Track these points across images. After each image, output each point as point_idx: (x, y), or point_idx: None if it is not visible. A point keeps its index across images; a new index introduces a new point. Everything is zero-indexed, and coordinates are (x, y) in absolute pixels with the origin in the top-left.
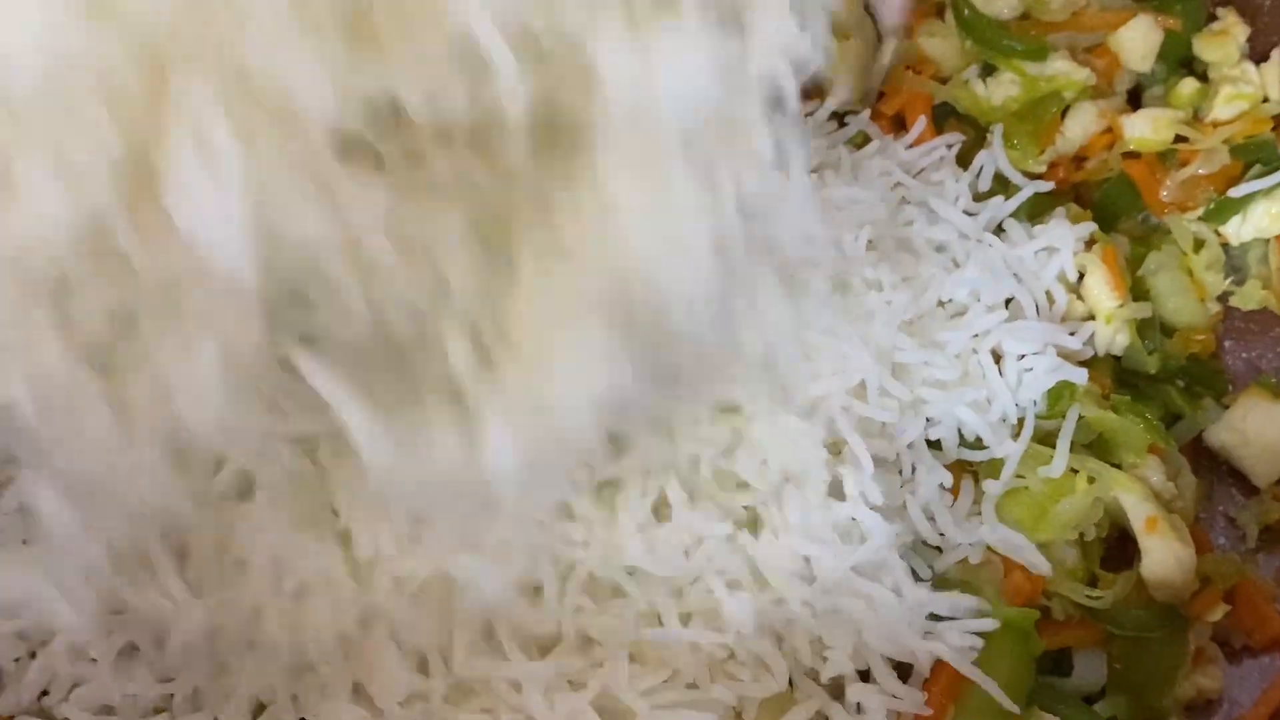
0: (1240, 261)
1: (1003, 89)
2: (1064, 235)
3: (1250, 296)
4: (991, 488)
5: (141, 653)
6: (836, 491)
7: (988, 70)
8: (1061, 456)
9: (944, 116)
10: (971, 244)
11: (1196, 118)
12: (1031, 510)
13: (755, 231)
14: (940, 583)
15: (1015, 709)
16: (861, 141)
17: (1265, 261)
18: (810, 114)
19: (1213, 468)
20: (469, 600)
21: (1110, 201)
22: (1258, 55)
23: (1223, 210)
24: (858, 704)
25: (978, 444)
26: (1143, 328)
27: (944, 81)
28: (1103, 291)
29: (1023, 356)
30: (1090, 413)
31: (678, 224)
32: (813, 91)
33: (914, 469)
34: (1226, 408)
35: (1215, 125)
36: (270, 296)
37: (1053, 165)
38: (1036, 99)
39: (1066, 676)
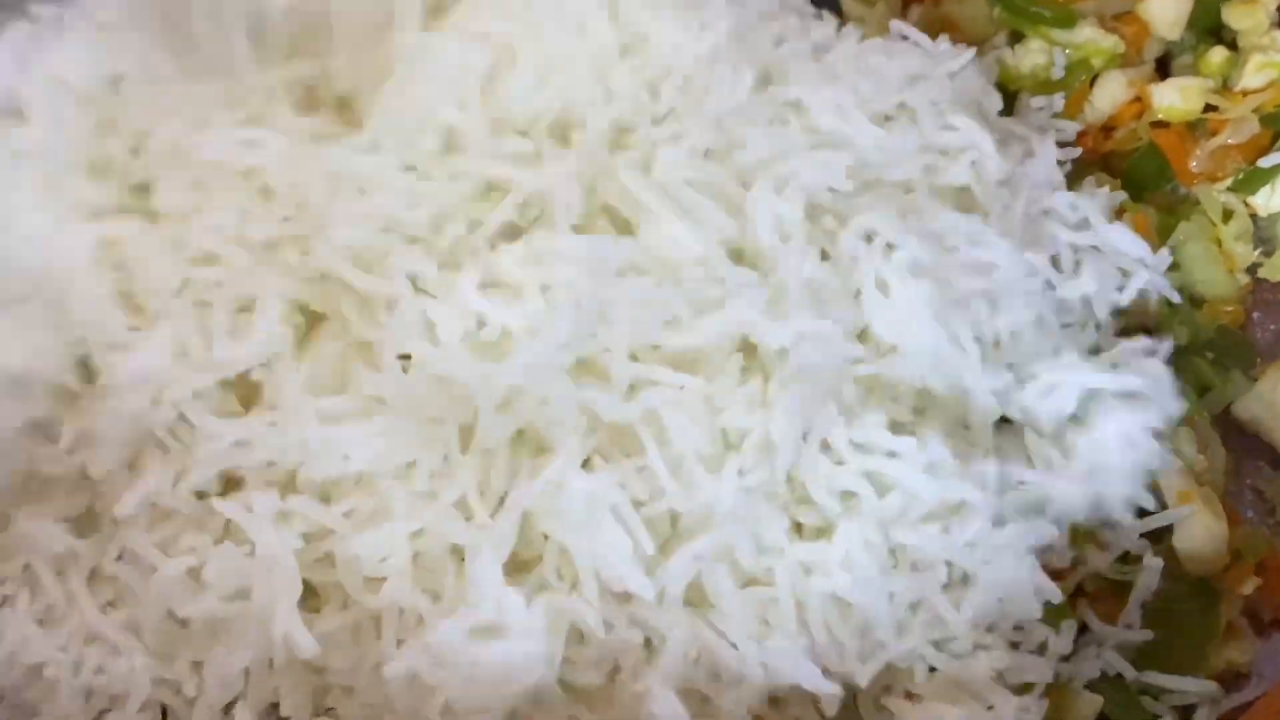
0: (1269, 232)
1: (1031, 57)
2: (1094, 204)
3: (1278, 268)
4: None
5: None
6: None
7: (1015, 37)
8: None
9: None
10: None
11: (1226, 86)
12: None
13: None
14: None
15: None
16: None
17: None
18: None
19: (1241, 440)
20: None
21: (1139, 171)
22: None
23: (1252, 180)
24: None
25: None
26: None
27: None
28: None
29: None
30: None
31: None
32: None
33: None
34: (1255, 380)
35: (1245, 94)
36: None
37: (1081, 134)
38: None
39: None
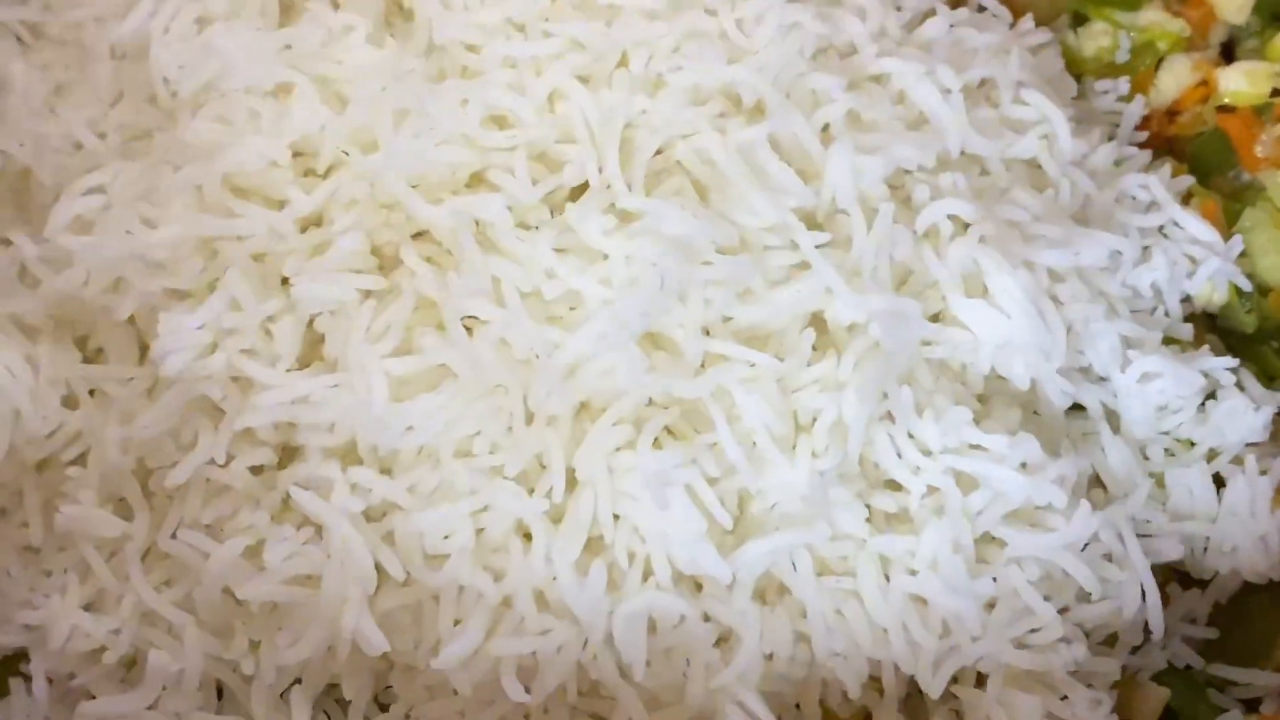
0: None
1: (1095, 40)
2: (1162, 189)
3: None
4: None
5: None
6: None
7: (1079, 20)
8: None
9: None
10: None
11: None
12: None
13: None
14: None
15: None
16: None
17: None
18: None
19: None
20: None
21: (1204, 156)
22: None
23: None
24: None
25: None
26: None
27: None
28: None
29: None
30: None
31: None
32: None
33: None
34: None
35: None
36: None
37: (1145, 118)
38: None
39: None
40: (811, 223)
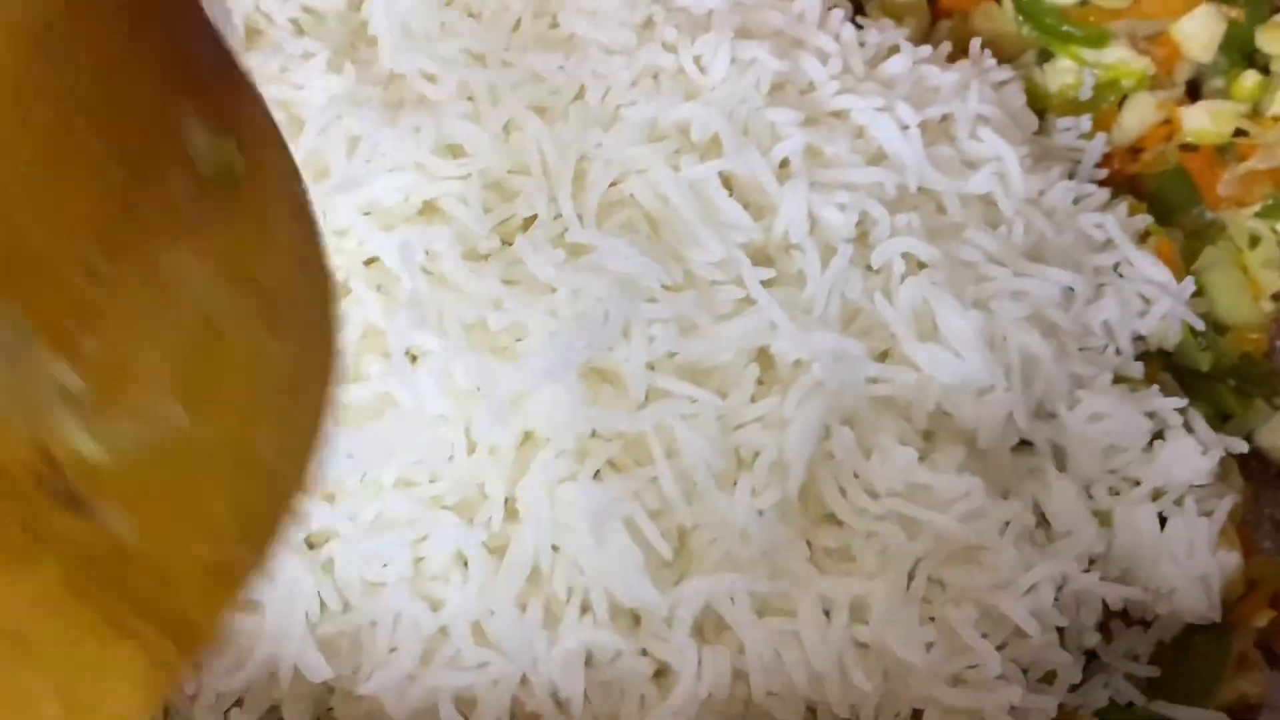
0: None
1: (1059, 76)
2: (1117, 228)
3: None
4: None
5: None
6: None
7: (1044, 56)
8: None
9: None
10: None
11: (1257, 112)
12: None
13: None
14: None
15: None
16: None
17: None
18: None
19: (1262, 470)
20: None
21: (1166, 194)
22: None
23: None
24: None
25: None
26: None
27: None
28: None
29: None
30: None
31: None
32: None
33: None
34: (1278, 408)
35: (1276, 120)
36: None
37: (1108, 156)
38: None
39: None
40: (762, 258)
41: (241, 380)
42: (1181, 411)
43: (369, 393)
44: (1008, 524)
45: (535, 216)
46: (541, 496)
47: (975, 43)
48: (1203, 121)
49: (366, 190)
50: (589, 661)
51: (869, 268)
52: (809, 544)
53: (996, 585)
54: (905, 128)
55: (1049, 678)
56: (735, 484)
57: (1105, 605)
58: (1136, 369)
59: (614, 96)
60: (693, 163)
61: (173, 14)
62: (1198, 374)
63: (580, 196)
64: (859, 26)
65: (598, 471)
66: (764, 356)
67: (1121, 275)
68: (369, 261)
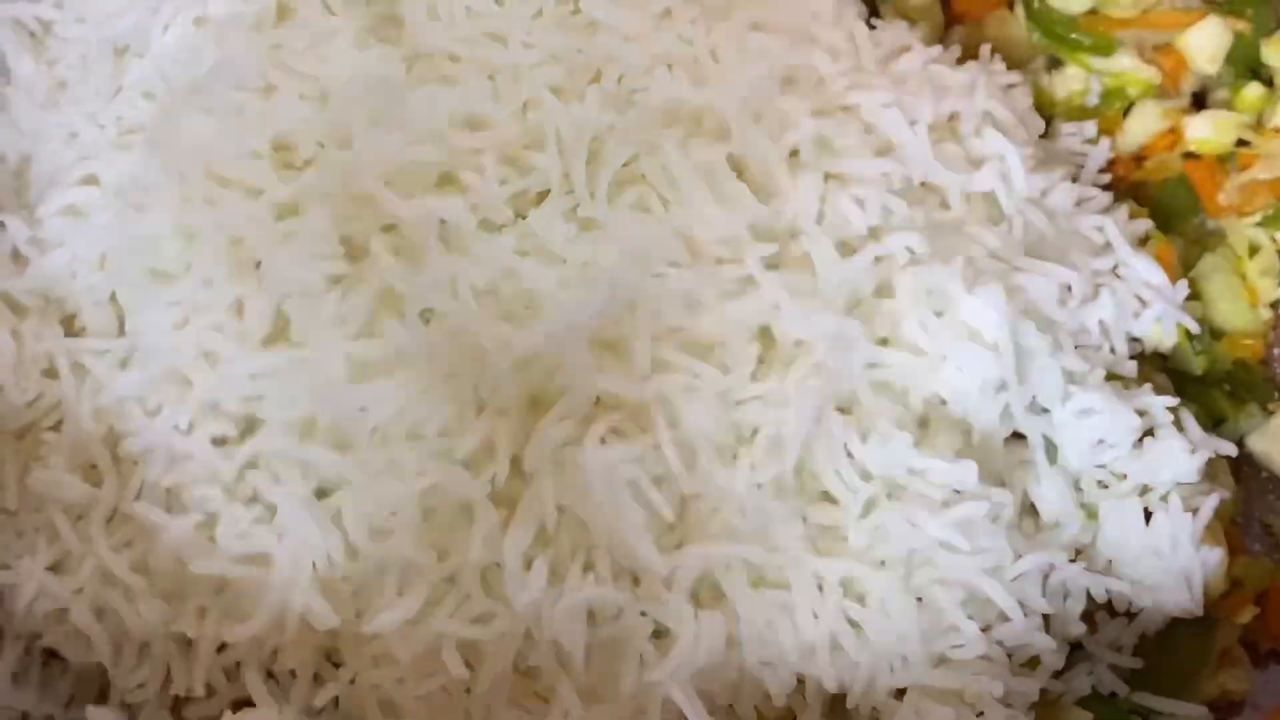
0: None
1: (1067, 83)
2: (1116, 231)
3: None
4: None
5: None
6: None
7: (1054, 63)
8: None
9: None
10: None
11: (1260, 123)
12: None
13: None
14: None
15: None
16: None
17: None
18: None
19: (1253, 474)
20: None
21: (1168, 201)
22: None
23: None
24: None
25: None
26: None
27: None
28: None
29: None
30: None
31: None
32: None
33: None
34: (1271, 414)
35: (1278, 131)
36: None
37: (1112, 162)
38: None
39: None
40: (769, 240)
41: None
42: (1173, 411)
43: (384, 349)
44: (998, 513)
45: (549, 191)
46: (547, 458)
47: (985, 47)
48: (1206, 131)
49: (388, 159)
50: (591, 619)
51: (874, 259)
52: (805, 520)
53: (984, 570)
54: (913, 123)
55: (1032, 663)
56: (735, 458)
57: (1090, 596)
58: (1130, 367)
59: (629, 81)
60: (703, 146)
61: None
62: (1192, 377)
63: (593, 173)
64: (873, 27)
65: (603, 437)
66: (766, 336)
67: (1119, 277)
68: (388, 228)
